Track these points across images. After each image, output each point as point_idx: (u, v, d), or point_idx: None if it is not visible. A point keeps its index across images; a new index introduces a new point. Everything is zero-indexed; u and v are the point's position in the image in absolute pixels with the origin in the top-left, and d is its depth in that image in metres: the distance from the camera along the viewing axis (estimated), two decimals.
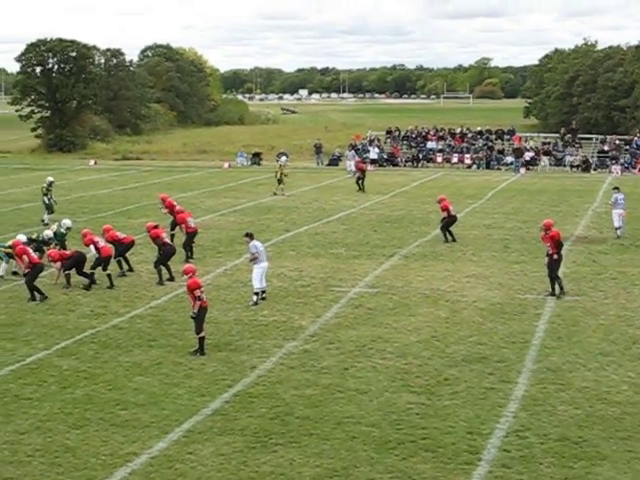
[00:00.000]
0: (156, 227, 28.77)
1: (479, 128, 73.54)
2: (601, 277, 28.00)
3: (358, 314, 23.71)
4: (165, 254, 27.74)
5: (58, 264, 26.85)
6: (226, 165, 68.69)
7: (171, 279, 27.33)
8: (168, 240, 28.99)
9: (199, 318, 20.28)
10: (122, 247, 28.73)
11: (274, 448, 15.13)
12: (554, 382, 18.29)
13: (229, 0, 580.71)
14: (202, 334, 20.29)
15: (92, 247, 27.20)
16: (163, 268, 27.44)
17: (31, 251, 26.45)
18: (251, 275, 25.34)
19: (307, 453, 14.93)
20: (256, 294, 24.94)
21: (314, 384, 18.26)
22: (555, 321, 22.91)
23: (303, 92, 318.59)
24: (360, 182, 50.23)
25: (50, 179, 40.86)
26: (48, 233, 29.89)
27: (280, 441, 15.39)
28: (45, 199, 39.29)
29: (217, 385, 18.23)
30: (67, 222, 31.04)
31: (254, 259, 25.17)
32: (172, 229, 32.20)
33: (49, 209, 39.03)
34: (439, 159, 68.77)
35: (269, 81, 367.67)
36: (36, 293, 25.26)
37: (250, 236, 25.66)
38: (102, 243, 27.38)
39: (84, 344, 21.15)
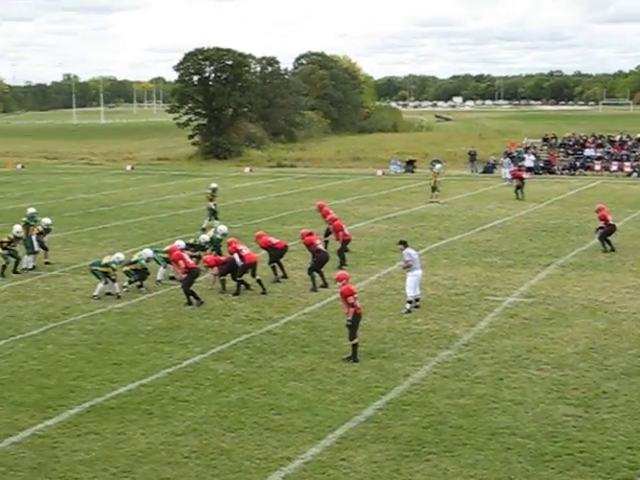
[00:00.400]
0: (310, 234, 28.98)
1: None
2: None
3: (513, 324, 23.38)
4: (319, 261, 27.90)
5: (215, 270, 27.34)
6: (379, 172, 68.76)
7: (324, 286, 27.47)
8: (322, 247, 29.13)
9: (353, 325, 20.31)
10: (276, 252, 29.03)
11: (427, 457, 15.03)
12: None
13: (384, 8, 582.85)
14: (355, 341, 20.31)
15: (236, 256, 27.45)
16: (317, 275, 27.61)
17: (187, 256, 26.98)
18: (405, 283, 25.25)
19: (461, 463, 14.78)
20: (409, 302, 24.85)
21: (468, 394, 18.07)
22: None
23: (457, 99, 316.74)
24: (519, 190, 49.53)
25: (214, 185, 41.47)
26: (204, 238, 30.48)
27: (433, 450, 15.28)
28: (211, 205, 39.96)
29: (370, 392, 18.22)
30: (223, 228, 31.54)
31: (408, 267, 25.09)
32: (326, 236, 32.38)
33: (214, 215, 39.66)
34: (597, 167, 67.19)
35: (423, 88, 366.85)
36: (192, 298, 25.75)
37: (404, 244, 25.61)
38: (246, 251, 27.60)
39: (239, 349, 21.44)
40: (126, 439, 15.91)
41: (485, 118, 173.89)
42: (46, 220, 32.91)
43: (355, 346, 20.28)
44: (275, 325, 23.45)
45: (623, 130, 79.61)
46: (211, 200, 40.13)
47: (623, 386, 18.41)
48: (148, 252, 28.14)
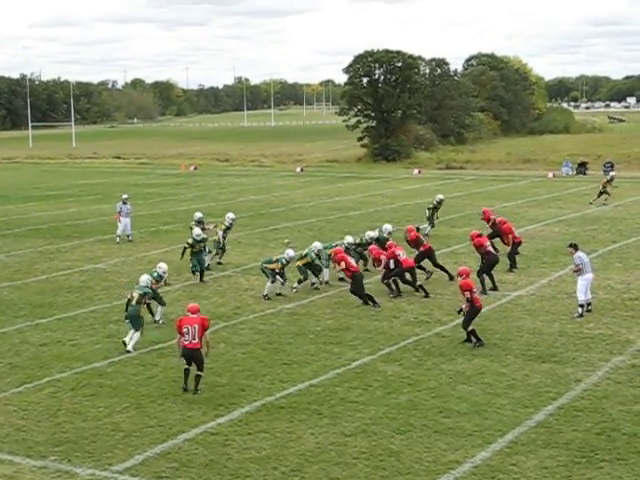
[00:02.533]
0: (480, 235, 28.74)
1: None
2: None
3: None
4: (488, 263, 27.64)
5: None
6: (550, 175, 67.70)
7: (494, 289, 27.21)
8: (491, 249, 28.79)
9: (469, 316, 21.58)
10: (420, 255, 28.94)
11: (600, 464, 14.72)
12: None
13: (555, 7, 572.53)
14: (470, 328, 21.47)
15: (391, 261, 27.25)
16: (486, 277, 27.36)
17: (351, 259, 27.11)
18: (576, 287, 24.78)
19: (635, 472, 14.42)
20: (581, 306, 24.40)
21: None
22: None
23: (631, 100, 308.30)
24: None
25: (440, 197, 40.02)
26: (370, 234, 30.52)
27: (606, 457, 14.95)
28: (428, 213, 38.98)
29: (541, 397, 17.95)
30: (388, 227, 31.50)
31: (578, 270, 24.61)
32: (492, 238, 31.89)
33: (431, 223, 38.88)
34: None
35: (595, 89, 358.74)
36: (369, 301, 25.84)
37: (575, 247, 25.16)
38: (403, 256, 27.42)
39: (407, 351, 21.45)
40: (296, 438, 16.11)
41: None
42: (230, 215, 33.23)
43: (471, 333, 21.39)
44: (444, 328, 23.36)
45: None
46: (435, 209, 39.10)
47: None
48: (318, 245, 28.36)
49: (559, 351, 21.10)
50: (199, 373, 18.73)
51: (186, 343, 18.69)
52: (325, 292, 27.79)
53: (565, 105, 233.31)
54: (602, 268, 30.44)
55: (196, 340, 18.66)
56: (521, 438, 15.86)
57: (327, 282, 28.72)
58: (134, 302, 22.06)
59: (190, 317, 18.99)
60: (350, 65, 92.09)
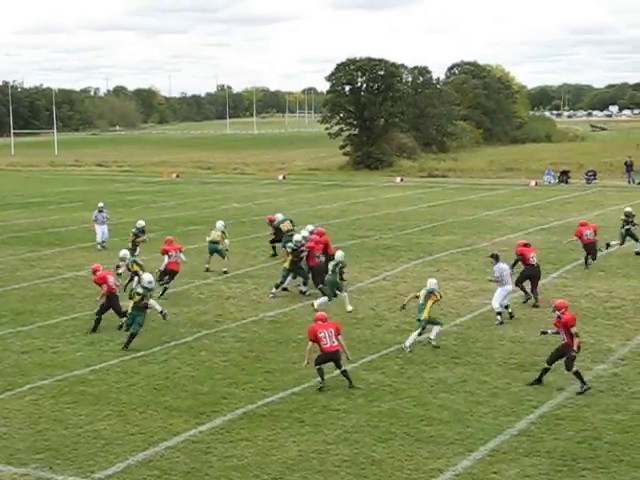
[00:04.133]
0: (526, 245, 27.72)
1: None
2: None
3: None
4: (524, 274, 27.12)
5: None
6: (533, 183, 67.95)
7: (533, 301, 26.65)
8: (534, 261, 27.11)
9: (575, 355, 19.02)
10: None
11: (581, 473, 14.74)
12: None
13: (537, 16, 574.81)
14: (575, 369, 18.98)
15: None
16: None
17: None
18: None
19: None
20: (498, 314, 24.58)
21: (624, 409, 17.66)
22: None
23: (613, 108, 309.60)
24: None
25: (628, 209, 36.31)
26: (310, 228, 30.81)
27: (588, 466, 14.97)
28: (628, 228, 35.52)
29: (523, 405, 17.98)
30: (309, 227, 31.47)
31: (498, 282, 24.82)
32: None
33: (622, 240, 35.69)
34: None
35: (577, 97, 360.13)
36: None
37: (496, 257, 25.37)
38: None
39: (389, 359, 21.45)
40: (278, 446, 16.08)
41: None
42: (220, 224, 32.93)
43: (577, 374, 18.97)
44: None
45: None
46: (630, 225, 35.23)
47: None
48: (298, 237, 28.92)
49: (541, 359, 21.05)
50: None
51: (326, 346, 19.21)
52: (307, 300, 27.75)
53: (547, 114, 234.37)
54: (584, 277, 30.57)
55: (336, 343, 19.31)
56: (503, 446, 15.87)
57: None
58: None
59: (323, 324, 19.55)
60: (332, 73, 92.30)
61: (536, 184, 67.66)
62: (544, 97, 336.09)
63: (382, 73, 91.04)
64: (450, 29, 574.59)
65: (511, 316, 24.97)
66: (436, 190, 64.49)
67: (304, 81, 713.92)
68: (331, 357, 19.14)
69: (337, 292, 26.24)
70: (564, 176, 70.18)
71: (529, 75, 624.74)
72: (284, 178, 77.31)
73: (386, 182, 72.52)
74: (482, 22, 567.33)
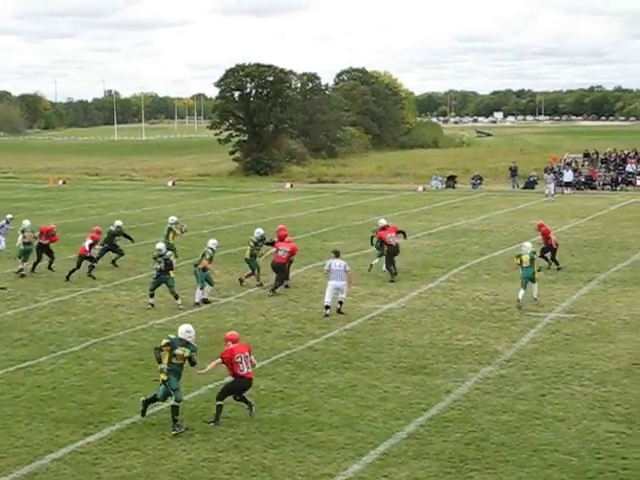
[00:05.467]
0: (384, 228, 32.10)
1: None
2: None
3: (555, 340, 23.21)
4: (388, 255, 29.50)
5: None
6: (420, 188, 68.70)
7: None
8: (393, 241, 31.32)
9: None
10: None
11: (470, 474, 14.93)
12: None
13: (424, 23, 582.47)
14: None
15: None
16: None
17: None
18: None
19: None
20: (326, 307, 26.13)
21: (510, 410, 17.95)
22: None
23: (498, 115, 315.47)
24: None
25: None
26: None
27: (476, 467, 15.17)
28: None
29: (412, 409, 18.14)
30: (260, 231, 31.90)
31: (327, 275, 26.63)
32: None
33: None
34: (639, 182, 66.83)
35: (464, 104, 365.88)
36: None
37: (335, 253, 27.13)
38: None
39: (280, 365, 21.44)
40: (167, 455, 15.93)
41: (526, 133, 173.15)
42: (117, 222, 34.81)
43: None
44: (316, 341, 23.43)
45: None
46: None
47: None
48: (214, 241, 29.37)
49: (430, 363, 21.37)
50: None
51: (242, 372, 17.69)
52: (198, 307, 27.60)
53: (434, 119, 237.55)
54: (470, 280, 31.04)
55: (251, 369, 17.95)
56: (392, 450, 15.98)
57: (197, 303, 28.24)
58: None
59: (239, 346, 18.04)
60: (221, 79, 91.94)
61: (424, 189, 68.46)
62: (431, 103, 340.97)
63: (271, 79, 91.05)
64: (338, 36, 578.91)
65: (339, 311, 26.31)
66: (325, 195, 64.78)
67: (193, 87, 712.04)
68: (247, 385, 17.89)
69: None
70: (451, 181, 71.20)
71: (417, 82, 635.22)
72: (173, 184, 76.77)
73: (276, 188, 72.55)
74: (370, 30, 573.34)
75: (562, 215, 48.77)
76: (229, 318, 26.00)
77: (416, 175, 79.09)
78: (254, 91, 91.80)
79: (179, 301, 27.57)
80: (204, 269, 28.03)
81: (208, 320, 25.97)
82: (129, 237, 35.91)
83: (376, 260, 32.37)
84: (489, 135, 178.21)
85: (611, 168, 69.66)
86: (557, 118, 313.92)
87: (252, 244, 30.50)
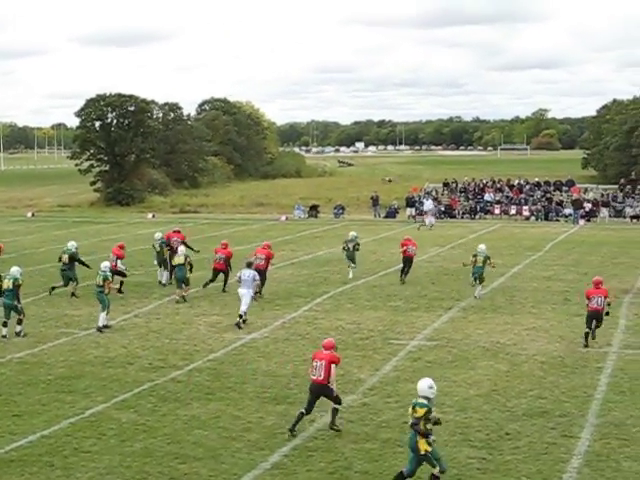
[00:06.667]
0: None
1: (537, 179, 73.30)
2: None
3: (417, 367, 23.53)
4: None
5: None
6: (283, 218, 68.96)
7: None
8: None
9: None
10: None
11: None
12: (618, 437, 17.97)
13: (284, 54, 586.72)
14: None
15: None
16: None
17: None
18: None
19: None
20: (240, 316, 28.50)
21: (373, 438, 18.10)
22: (617, 375, 22.57)
23: (359, 144, 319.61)
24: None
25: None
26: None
27: None
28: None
29: (276, 439, 18.12)
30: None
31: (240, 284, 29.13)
32: None
33: None
34: (497, 211, 68.63)
35: (325, 134, 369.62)
36: None
37: (247, 264, 29.75)
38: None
39: (143, 397, 21.17)
40: None
41: (387, 163, 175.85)
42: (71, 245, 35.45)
43: None
44: (179, 372, 23.23)
45: (521, 174, 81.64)
46: None
47: (525, 427, 18.65)
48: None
49: (293, 392, 21.40)
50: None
51: (313, 377, 18.44)
52: (57, 339, 27.07)
53: (297, 149, 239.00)
54: (333, 309, 31.24)
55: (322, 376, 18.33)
56: None
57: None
58: None
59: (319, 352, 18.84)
60: (82, 109, 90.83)
61: (286, 219, 68.76)
62: (294, 133, 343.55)
63: (132, 109, 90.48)
64: (200, 66, 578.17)
65: (243, 321, 28.40)
66: (188, 225, 64.23)
67: (53, 117, 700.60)
68: (312, 388, 18.66)
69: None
70: (313, 211, 71.70)
71: (279, 112, 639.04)
72: (33, 215, 75.30)
73: (137, 218, 71.86)
74: (230, 60, 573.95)
75: (423, 243, 49.41)
76: (90, 351, 25.58)
77: (279, 205, 79.42)
78: (115, 121, 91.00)
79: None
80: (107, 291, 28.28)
81: (69, 353, 25.49)
82: None
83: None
84: (351, 165, 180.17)
85: (470, 197, 71.25)
86: (417, 148, 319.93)
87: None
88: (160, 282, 36.58)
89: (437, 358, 24.45)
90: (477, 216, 68.14)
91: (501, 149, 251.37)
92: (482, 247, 33.87)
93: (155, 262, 37.71)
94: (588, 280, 36.13)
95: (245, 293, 28.92)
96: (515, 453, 17.17)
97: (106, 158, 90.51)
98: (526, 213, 67.24)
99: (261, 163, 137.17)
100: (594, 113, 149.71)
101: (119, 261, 34.73)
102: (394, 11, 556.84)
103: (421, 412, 14.92)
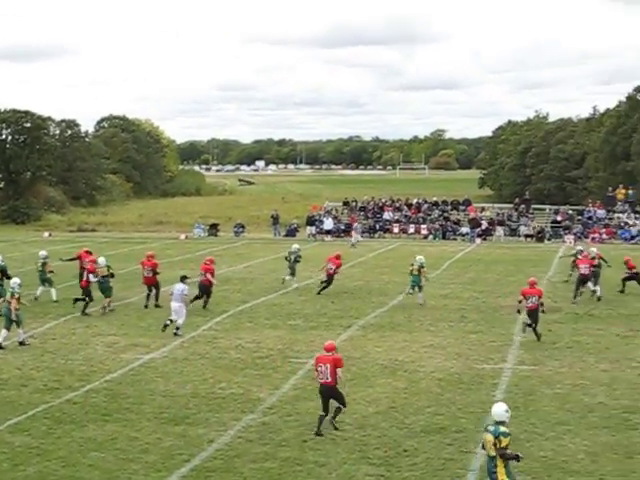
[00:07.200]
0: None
1: (435, 199, 74.10)
2: (556, 346, 28.09)
3: (316, 386, 23.50)
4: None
5: None
6: (183, 236, 68.56)
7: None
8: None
9: None
10: None
11: None
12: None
13: (185, 72, 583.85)
14: None
15: None
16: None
17: None
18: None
19: None
20: (165, 325, 29.92)
21: (273, 457, 18.04)
22: (512, 390, 22.90)
23: (260, 163, 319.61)
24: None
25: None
26: None
27: None
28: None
29: (174, 460, 17.94)
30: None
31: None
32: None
33: None
34: (396, 230, 69.17)
35: (226, 152, 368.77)
36: None
37: (181, 278, 30.63)
38: None
39: (37, 419, 20.77)
40: None
41: (288, 182, 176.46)
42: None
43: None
44: (75, 394, 22.86)
45: (419, 194, 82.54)
46: None
47: (422, 444, 18.79)
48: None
49: (192, 412, 21.23)
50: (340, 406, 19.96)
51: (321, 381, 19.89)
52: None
53: (197, 168, 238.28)
54: (233, 328, 31.12)
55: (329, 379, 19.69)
56: None
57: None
58: None
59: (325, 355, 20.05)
60: None
61: (186, 237, 68.38)
62: (194, 151, 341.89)
63: (28, 125, 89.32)
64: (99, 83, 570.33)
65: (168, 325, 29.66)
66: (86, 244, 63.20)
67: None
68: (321, 390, 20.17)
69: None
70: (213, 229, 71.46)
71: (179, 130, 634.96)
72: None
73: (33, 237, 70.70)
74: (129, 78, 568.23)
75: (322, 262, 49.58)
76: None
77: (178, 223, 79.05)
78: (10, 137, 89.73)
79: None
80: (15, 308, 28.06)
81: None
82: None
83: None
84: (251, 183, 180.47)
85: (369, 216, 71.76)
86: (317, 167, 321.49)
87: None
88: (36, 298, 36.24)
89: None
90: (376, 235, 68.65)
91: (400, 168, 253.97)
92: (420, 258, 36.07)
93: (39, 280, 37.44)
94: (484, 298, 36.92)
95: (177, 307, 29.85)
96: (413, 469, 17.28)
97: (0, 175, 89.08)
98: (424, 232, 67.92)
99: (161, 181, 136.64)
100: (490, 134, 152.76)
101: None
102: (296, 30, 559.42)
103: (505, 442, 14.42)
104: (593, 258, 37.36)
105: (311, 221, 69.11)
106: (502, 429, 14.43)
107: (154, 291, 35.29)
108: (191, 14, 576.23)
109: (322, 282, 38.92)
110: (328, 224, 68.25)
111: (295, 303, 36.37)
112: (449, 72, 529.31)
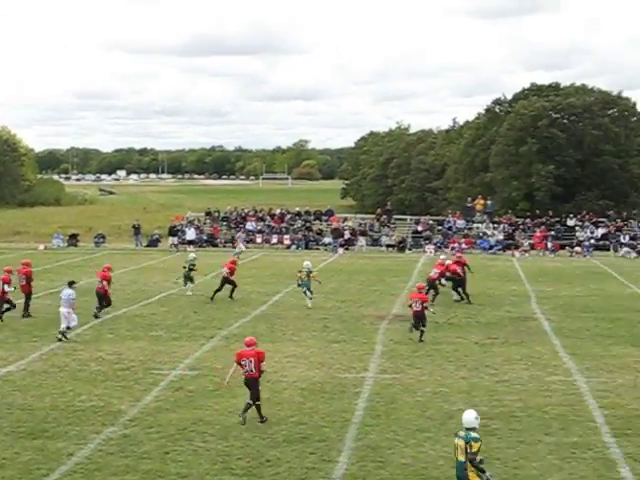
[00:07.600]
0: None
1: (298, 209, 74.53)
2: (417, 354, 28.55)
3: (178, 397, 23.42)
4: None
5: None
6: (42, 247, 67.25)
7: None
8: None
9: None
10: None
11: None
12: (374, 460, 18.46)
13: (41, 78, 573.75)
14: None
15: None
16: None
17: None
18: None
19: None
20: (60, 332, 30.11)
21: (134, 470, 17.87)
22: (374, 399, 23.19)
23: (121, 173, 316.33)
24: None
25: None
26: None
27: None
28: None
29: (32, 475, 17.59)
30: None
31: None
32: None
33: None
34: (259, 240, 69.30)
35: (86, 161, 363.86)
36: None
37: (68, 283, 31.59)
38: None
39: None
40: None
41: (149, 192, 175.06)
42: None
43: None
44: None
45: (282, 204, 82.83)
46: None
47: (285, 453, 18.87)
48: None
49: (51, 426, 20.85)
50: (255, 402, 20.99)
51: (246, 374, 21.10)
52: None
53: (56, 177, 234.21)
54: (94, 340, 30.70)
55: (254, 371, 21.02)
56: None
57: None
58: None
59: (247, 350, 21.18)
60: None
61: (45, 248, 67.09)
62: (53, 160, 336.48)
63: None
64: None
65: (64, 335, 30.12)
66: None
67: None
68: (247, 383, 21.38)
69: None
70: (73, 239, 70.29)
71: (37, 138, 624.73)
72: None
73: None
74: None
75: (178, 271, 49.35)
76: None
77: (37, 233, 77.55)
78: None
79: None
80: None
81: None
82: None
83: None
84: (112, 193, 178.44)
85: (232, 226, 71.69)
86: (180, 177, 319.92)
87: None
88: None
89: (199, 387, 24.40)
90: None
91: (263, 179, 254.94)
92: (307, 263, 38.35)
93: None
94: (347, 308, 37.34)
95: (66, 313, 30.29)
96: (276, 479, 17.34)
97: None
98: (287, 242, 68.20)
99: (18, 190, 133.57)
100: (352, 144, 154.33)
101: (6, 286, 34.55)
102: (155, 38, 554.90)
103: (476, 446, 14.60)
104: (443, 264, 38.73)
105: (173, 231, 68.66)
106: (473, 435, 14.79)
107: (24, 300, 34.66)
108: (46, 17, 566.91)
109: (217, 290, 39.73)
110: (190, 234, 67.90)
111: (157, 314, 36.09)
112: (312, 83, 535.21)
